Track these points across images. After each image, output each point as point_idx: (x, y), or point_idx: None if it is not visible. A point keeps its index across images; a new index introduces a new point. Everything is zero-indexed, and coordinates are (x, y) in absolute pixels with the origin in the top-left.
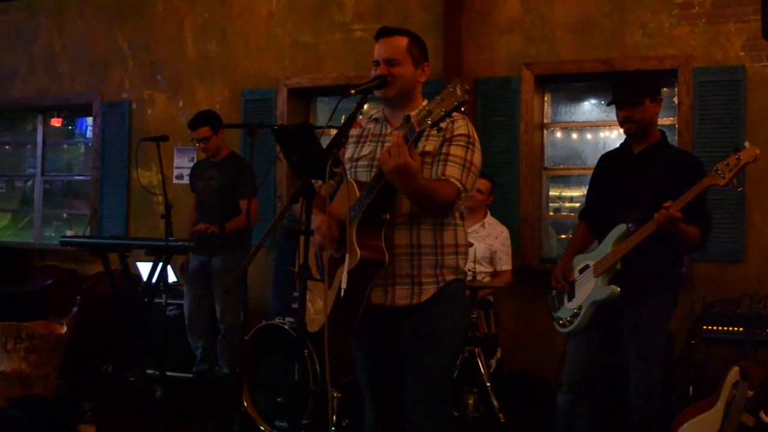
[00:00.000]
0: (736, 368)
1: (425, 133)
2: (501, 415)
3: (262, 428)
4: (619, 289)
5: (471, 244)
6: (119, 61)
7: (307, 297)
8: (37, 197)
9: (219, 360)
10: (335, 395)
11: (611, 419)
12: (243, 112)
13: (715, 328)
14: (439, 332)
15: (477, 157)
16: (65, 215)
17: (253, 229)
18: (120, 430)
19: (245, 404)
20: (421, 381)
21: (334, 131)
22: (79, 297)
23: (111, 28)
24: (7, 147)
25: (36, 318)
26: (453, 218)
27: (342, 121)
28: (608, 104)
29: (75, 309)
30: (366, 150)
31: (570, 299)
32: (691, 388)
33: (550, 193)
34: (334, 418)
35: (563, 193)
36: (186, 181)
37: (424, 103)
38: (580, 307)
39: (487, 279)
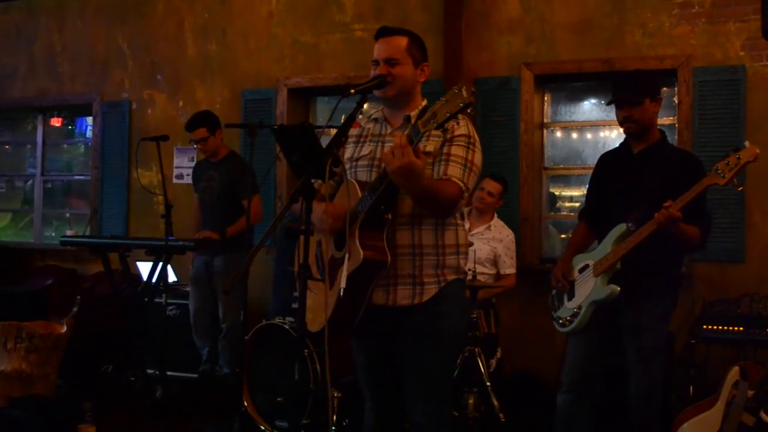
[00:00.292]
0: (736, 368)
1: (427, 134)
2: (501, 415)
3: (263, 428)
4: (618, 288)
5: (471, 244)
6: (119, 61)
7: (309, 297)
8: (37, 197)
9: (219, 360)
10: (335, 395)
11: (611, 419)
12: (243, 112)
13: (715, 327)
14: (440, 332)
15: (478, 157)
16: (66, 215)
17: (255, 229)
18: (120, 430)
19: (245, 404)
20: (422, 381)
21: (333, 131)
22: (79, 297)
23: (111, 28)
24: (7, 147)
25: (36, 318)
26: (454, 218)
27: (342, 121)
28: (608, 104)
29: (75, 309)
30: (366, 150)
31: (570, 299)
32: (691, 387)
33: (550, 193)
34: (335, 417)
35: (563, 193)
36: (186, 180)
37: (424, 103)
38: (579, 307)
39: (490, 281)
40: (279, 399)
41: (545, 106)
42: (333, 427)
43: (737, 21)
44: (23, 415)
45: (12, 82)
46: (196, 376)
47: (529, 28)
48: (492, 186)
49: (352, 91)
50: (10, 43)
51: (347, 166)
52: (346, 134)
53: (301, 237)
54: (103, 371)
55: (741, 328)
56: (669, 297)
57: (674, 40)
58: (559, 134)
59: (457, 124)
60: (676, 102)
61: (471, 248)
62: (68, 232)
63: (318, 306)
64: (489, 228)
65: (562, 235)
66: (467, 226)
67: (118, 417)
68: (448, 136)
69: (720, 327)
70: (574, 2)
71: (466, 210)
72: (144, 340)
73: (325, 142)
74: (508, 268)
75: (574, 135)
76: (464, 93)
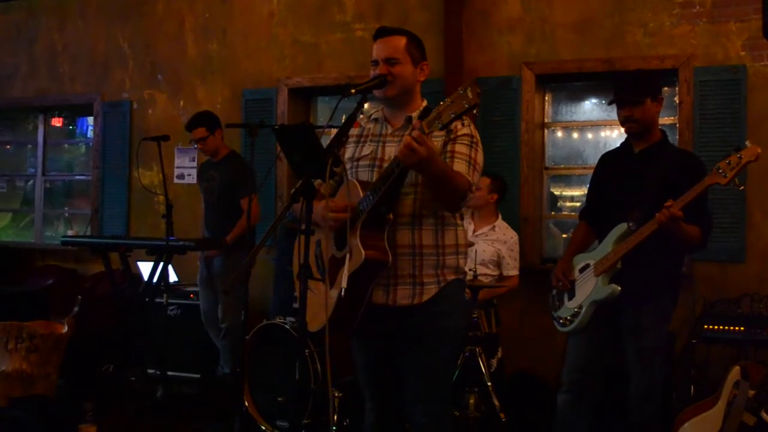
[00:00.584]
0: (737, 368)
1: (430, 134)
2: (502, 415)
3: (263, 428)
4: (619, 288)
5: (471, 244)
6: (120, 60)
7: (309, 296)
8: (38, 197)
9: (220, 360)
10: (336, 395)
11: (611, 419)
12: (243, 112)
13: (715, 327)
14: (440, 332)
15: (480, 156)
16: (66, 215)
17: (256, 228)
18: (120, 430)
19: (246, 404)
20: (422, 381)
21: (334, 131)
22: (79, 297)
23: (112, 28)
24: (7, 147)
25: (37, 318)
26: (453, 218)
27: (342, 121)
28: (609, 103)
29: (76, 309)
30: (367, 150)
31: (570, 298)
32: (691, 387)
33: (551, 192)
34: (335, 417)
35: (564, 193)
36: (186, 180)
37: (424, 103)
38: (580, 307)
39: (493, 282)
40: (280, 399)
41: (546, 106)
42: (334, 427)
43: (738, 21)
44: (24, 415)
45: (13, 82)
46: (197, 376)
47: (529, 27)
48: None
49: (353, 90)
50: (10, 43)
51: (348, 166)
52: (347, 134)
53: (301, 237)
54: (103, 371)
55: (742, 328)
56: (669, 297)
57: (675, 39)
58: (559, 134)
59: (462, 124)
60: (677, 102)
61: (474, 249)
62: (69, 232)
63: (318, 306)
64: (493, 229)
65: (563, 235)
66: (471, 227)
67: (118, 417)
68: (452, 135)
69: (721, 327)
70: (574, 2)
71: (468, 211)
72: (144, 340)
73: (325, 142)
74: (512, 269)
75: (575, 135)
76: (470, 94)
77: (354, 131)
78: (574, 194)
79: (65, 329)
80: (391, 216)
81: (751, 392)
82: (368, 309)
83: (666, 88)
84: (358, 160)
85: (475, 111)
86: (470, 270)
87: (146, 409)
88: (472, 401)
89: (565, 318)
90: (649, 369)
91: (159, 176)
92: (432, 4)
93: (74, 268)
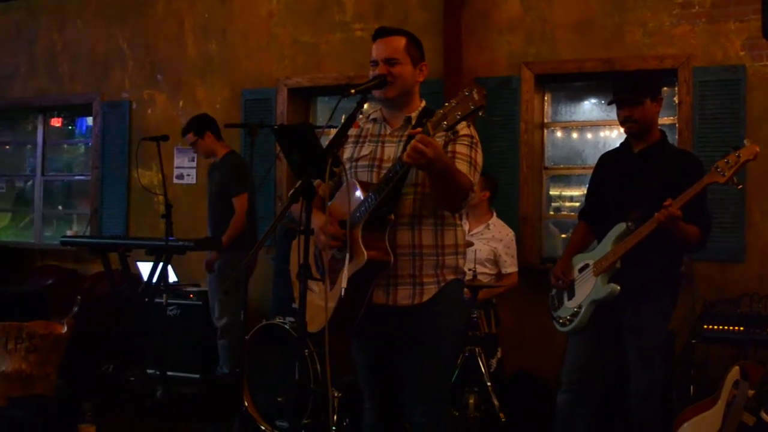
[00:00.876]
0: (737, 368)
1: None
2: (501, 415)
3: (263, 428)
4: (618, 287)
5: (471, 244)
6: (119, 60)
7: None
8: (37, 197)
9: (219, 360)
10: (336, 395)
11: (611, 419)
12: (243, 112)
13: (715, 327)
14: (440, 332)
15: (480, 157)
16: (65, 215)
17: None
18: (120, 430)
19: (246, 404)
20: (422, 381)
21: (333, 131)
22: (79, 297)
23: (111, 28)
24: (7, 147)
25: (36, 318)
26: (453, 218)
27: (342, 121)
28: (608, 104)
29: (75, 309)
30: (366, 150)
31: (570, 298)
32: (691, 387)
33: (551, 193)
34: (335, 417)
35: (563, 193)
36: (186, 180)
37: (423, 104)
38: (579, 306)
39: (492, 281)
40: (279, 399)
41: (545, 106)
42: (333, 427)
43: (737, 21)
44: (23, 415)
45: (12, 82)
46: (197, 376)
47: (529, 27)
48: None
49: (353, 91)
50: (10, 43)
51: (347, 166)
52: (346, 134)
53: (300, 237)
54: (103, 371)
55: (741, 328)
56: (669, 296)
57: (674, 39)
58: (559, 134)
59: (460, 124)
60: (677, 102)
61: (471, 248)
62: (68, 232)
63: (317, 306)
64: (488, 227)
65: (563, 235)
66: (466, 227)
67: (118, 417)
68: (452, 135)
69: (720, 327)
70: (574, 2)
71: (463, 211)
72: (144, 340)
73: (324, 142)
74: (509, 267)
75: (575, 135)
76: (476, 96)
77: (353, 131)
78: (573, 194)
79: (64, 329)
80: (393, 217)
81: (751, 392)
82: (368, 309)
83: (665, 88)
84: (357, 160)
85: (481, 113)
86: (470, 270)
87: (146, 409)
88: (471, 401)
89: (565, 318)
90: (649, 368)
91: (158, 176)
92: (431, 5)
93: (74, 268)
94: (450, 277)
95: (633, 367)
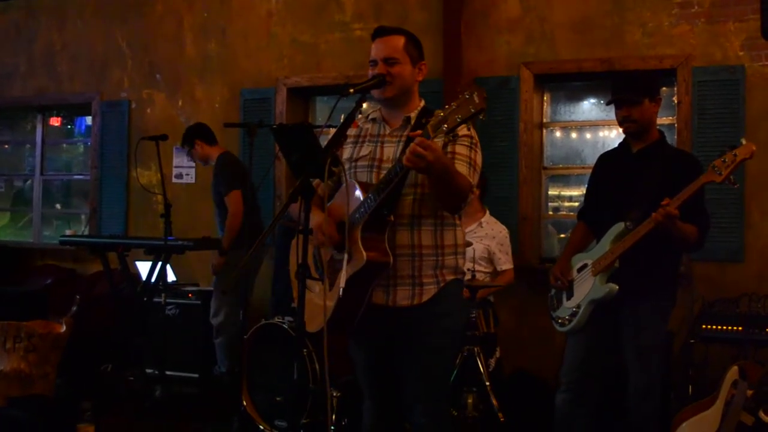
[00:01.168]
0: (735, 367)
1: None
2: (500, 415)
3: (262, 428)
4: (617, 287)
5: (470, 244)
6: (118, 60)
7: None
8: (36, 196)
9: (216, 359)
10: (334, 394)
11: (610, 418)
12: (242, 112)
13: (714, 327)
14: (440, 332)
15: (479, 158)
16: (64, 215)
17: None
18: (119, 429)
19: (245, 404)
20: (421, 380)
21: (332, 130)
22: (78, 296)
23: (110, 28)
24: (6, 146)
25: (35, 317)
26: (452, 219)
27: (341, 121)
28: (607, 104)
29: (74, 308)
30: (365, 150)
31: (568, 298)
32: (690, 387)
33: (550, 193)
34: (334, 417)
35: (563, 193)
36: (185, 180)
37: (422, 104)
38: (578, 306)
39: (488, 279)
40: (278, 398)
41: (545, 106)
42: (332, 427)
43: (736, 21)
44: (22, 415)
45: (11, 82)
46: (196, 375)
47: (528, 27)
48: None
49: (352, 90)
50: (9, 43)
51: (346, 166)
52: (345, 134)
53: (299, 236)
54: (102, 371)
55: (740, 328)
56: (667, 296)
57: (674, 39)
58: (558, 134)
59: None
60: (676, 102)
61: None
62: (67, 232)
63: (316, 306)
64: (480, 225)
65: (562, 235)
66: None
67: (117, 417)
68: (452, 137)
69: (719, 326)
70: (573, 2)
71: None
72: (143, 339)
73: (324, 141)
74: (505, 263)
75: (574, 135)
76: (476, 98)
77: (352, 131)
78: (572, 194)
79: (63, 329)
80: (392, 218)
81: (749, 392)
82: (368, 310)
83: (664, 88)
84: (356, 160)
85: (481, 116)
86: (468, 270)
87: (145, 409)
88: (470, 401)
89: (564, 317)
90: (647, 368)
91: (157, 176)
92: (431, 4)
93: (73, 267)
94: (449, 278)
95: (631, 367)
